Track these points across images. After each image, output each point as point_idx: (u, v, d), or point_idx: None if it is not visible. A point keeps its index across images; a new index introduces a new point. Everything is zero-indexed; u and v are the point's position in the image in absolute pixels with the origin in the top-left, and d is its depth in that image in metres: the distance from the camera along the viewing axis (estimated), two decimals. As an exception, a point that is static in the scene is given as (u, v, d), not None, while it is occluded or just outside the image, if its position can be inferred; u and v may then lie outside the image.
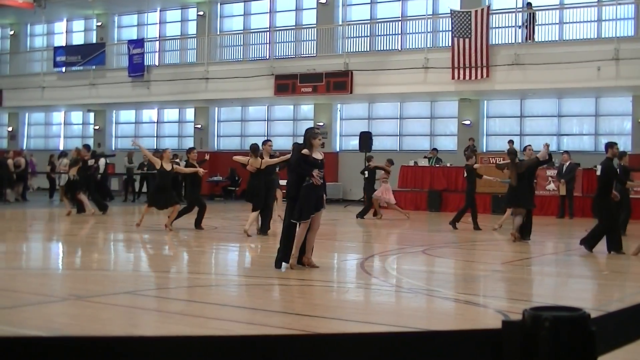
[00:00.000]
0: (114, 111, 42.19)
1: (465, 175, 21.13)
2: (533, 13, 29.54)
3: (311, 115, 35.78)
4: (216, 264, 14.64)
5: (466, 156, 21.90)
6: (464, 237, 18.87)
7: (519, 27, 29.48)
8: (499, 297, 10.43)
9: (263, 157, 17.69)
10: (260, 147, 17.95)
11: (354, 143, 32.94)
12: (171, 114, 40.92)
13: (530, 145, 19.85)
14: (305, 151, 12.12)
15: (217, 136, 38.86)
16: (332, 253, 15.63)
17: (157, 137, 40.74)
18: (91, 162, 25.43)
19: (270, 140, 18.66)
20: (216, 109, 38.69)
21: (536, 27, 29.61)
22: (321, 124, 34.15)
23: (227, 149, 37.80)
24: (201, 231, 19.14)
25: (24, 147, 42.99)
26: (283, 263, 12.20)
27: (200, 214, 19.57)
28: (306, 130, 12.66)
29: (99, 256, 14.79)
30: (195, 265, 14.01)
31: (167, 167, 19.13)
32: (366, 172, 25.01)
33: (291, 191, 12.35)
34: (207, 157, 21.82)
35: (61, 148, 41.04)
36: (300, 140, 12.97)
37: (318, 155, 12.26)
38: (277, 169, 18.75)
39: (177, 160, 25.84)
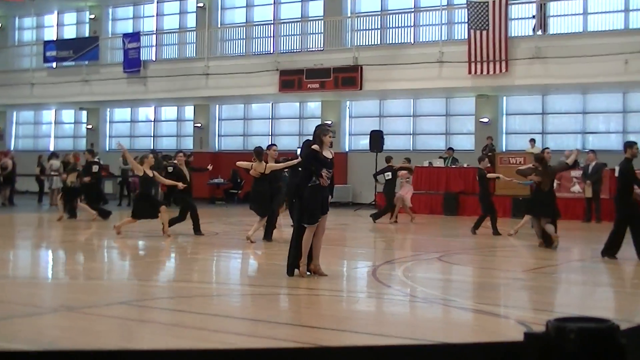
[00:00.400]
0: (108, 109, 42.25)
1: (477, 179, 21.06)
2: (544, 3, 29.43)
3: (318, 113, 35.77)
4: (217, 272, 14.63)
5: (478, 159, 21.68)
6: (483, 243, 18.82)
7: (531, 17, 29.38)
8: (520, 307, 10.41)
9: (267, 162, 17.69)
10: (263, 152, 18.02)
11: (364, 142, 32.89)
12: (169, 112, 40.97)
13: (548, 148, 19.70)
14: (315, 147, 12.13)
15: (218, 135, 38.89)
16: (342, 260, 15.62)
17: (154, 136, 40.80)
18: (95, 168, 25.38)
19: (274, 145, 18.66)
20: (217, 106, 38.71)
21: (550, 19, 29.55)
22: (329, 122, 34.10)
23: (228, 149, 37.81)
24: (201, 237, 19.13)
25: (12, 148, 43.04)
26: (296, 269, 12.20)
27: (195, 219, 19.58)
28: (317, 126, 12.76)
29: (92, 264, 14.79)
30: (195, 273, 13.97)
31: (150, 173, 19.21)
32: (389, 174, 24.79)
33: (298, 189, 12.36)
34: (210, 167, 21.68)
35: (51, 149, 41.05)
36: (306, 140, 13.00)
37: (328, 153, 12.27)
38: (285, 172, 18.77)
39: (176, 161, 25.85)
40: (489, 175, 20.92)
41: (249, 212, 18.52)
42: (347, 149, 35.13)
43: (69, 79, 39.07)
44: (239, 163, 18.38)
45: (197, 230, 19.49)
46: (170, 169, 22.32)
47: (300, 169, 13.78)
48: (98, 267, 14.49)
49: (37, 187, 34.44)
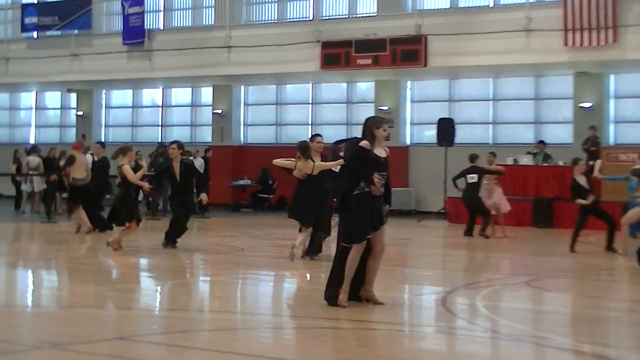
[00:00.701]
0: (104, 91, 42.47)
1: (570, 191, 20.76)
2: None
3: (371, 96, 35.70)
4: (243, 299, 14.59)
5: (572, 162, 21.26)
6: (584, 264, 18.68)
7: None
8: (636, 348, 10.29)
9: (313, 159, 17.58)
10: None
11: (430, 134, 32.80)
12: (181, 95, 41.11)
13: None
14: (365, 143, 11.98)
15: (244, 125, 38.93)
16: (402, 284, 15.59)
17: (162, 126, 40.91)
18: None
19: (319, 136, 18.48)
20: (242, 88, 38.76)
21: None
22: (385, 108, 34.01)
23: (256, 143, 37.86)
24: (216, 255, 19.17)
25: (-18, 141, 43.45)
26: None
27: (175, 228, 19.71)
28: (367, 118, 12.59)
29: (84, 288, 14.81)
30: (215, 300, 13.97)
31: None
32: (474, 176, 24.51)
33: (344, 199, 12.23)
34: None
35: (32, 141, 41.30)
36: (356, 132, 12.88)
37: (381, 151, 12.11)
38: None
39: (191, 157, 25.85)
40: (579, 202, 20.42)
41: (285, 222, 18.49)
42: (408, 142, 35.00)
43: (53, 53, 39.21)
44: (277, 161, 18.21)
45: (168, 238, 19.62)
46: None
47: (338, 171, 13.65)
48: (91, 292, 14.50)
49: (14, 189, 34.50)
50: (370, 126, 12.10)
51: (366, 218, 11.93)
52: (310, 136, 18.95)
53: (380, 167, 12.02)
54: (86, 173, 23.93)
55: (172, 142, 20.61)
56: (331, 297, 12.14)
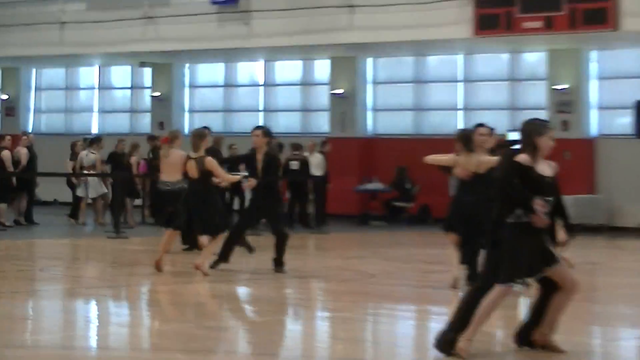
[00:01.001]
0: (187, 65, 42.82)
1: None
2: None
3: (542, 71, 35.49)
4: (376, 343, 14.49)
5: None
6: None
7: None
8: None
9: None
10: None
11: (624, 122, 32.40)
12: (288, 70, 41.23)
13: None
14: (523, 159, 11.64)
15: (373, 110, 38.90)
16: (591, 326, 15.52)
17: (264, 111, 41.00)
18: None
19: (482, 126, 18.33)
20: (369, 61, 38.80)
21: None
22: (561, 87, 33.67)
23: (389, 133, 37.80)
24: (333, 283, 19.20)
25: (30, 129, 43.88)
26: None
27: (229, 241, 19.87)
28: (525, 121, 12.20)
29: (163, 326, 14.88)
30: (338, 343, 13.89)
31: None
32: None
33: (495, 228, 11.96)
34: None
35: (94, 131, 41.70)
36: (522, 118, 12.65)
37: (545, 168, 11.78)
38: None
39: (306, 154, 25.81)
40: None
41: (431, 239, 18.42)
42: (594, 133, 34.55)
43: (121, 16, 39.59)
44: (431, 158, 18.16)
45: (219, 259, 19.77)
46: (294, 165, 22.29)
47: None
48: (172, 330, 14.55)
49: (70, 194, 34.80)
50: (530, 133, 11.71)
51: (525, 255, 11.61)
52: (475, 125, 18.66)
53: (545, 189, 11.64)
54: (180, 175, 23.24)
55: (257, 128, 20.74)
56: (445, 343, 11.80)
